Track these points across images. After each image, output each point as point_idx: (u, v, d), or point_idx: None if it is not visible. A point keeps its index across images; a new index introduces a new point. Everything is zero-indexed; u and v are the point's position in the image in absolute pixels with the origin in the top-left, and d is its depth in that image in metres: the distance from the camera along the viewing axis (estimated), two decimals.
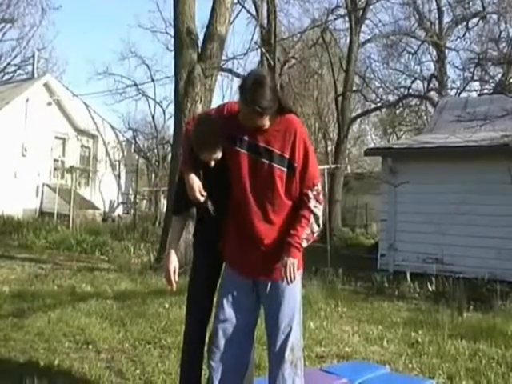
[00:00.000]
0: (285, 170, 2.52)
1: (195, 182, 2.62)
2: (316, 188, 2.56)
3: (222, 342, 2.60)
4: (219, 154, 2.60)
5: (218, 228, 2.71)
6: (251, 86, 2.42)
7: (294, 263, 2.49)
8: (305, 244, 2.54)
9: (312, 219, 2.54)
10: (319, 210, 2.55)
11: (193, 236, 2.93)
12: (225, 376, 2.60)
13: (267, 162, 2.53)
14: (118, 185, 21.66)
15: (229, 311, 2.62)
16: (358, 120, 24.77)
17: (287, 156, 2.52)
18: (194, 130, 2.64)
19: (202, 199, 2.64)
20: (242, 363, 2.66)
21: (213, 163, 2.61)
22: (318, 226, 2.57)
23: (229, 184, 2.63)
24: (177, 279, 2.74)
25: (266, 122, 2.49)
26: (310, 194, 2.54)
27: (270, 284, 2.61)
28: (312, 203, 2.54)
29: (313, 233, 2.56)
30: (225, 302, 2.64)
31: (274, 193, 2.53)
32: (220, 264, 2.79)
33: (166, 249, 2.87)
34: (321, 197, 2.57)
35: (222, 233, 2.71)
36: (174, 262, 2.73)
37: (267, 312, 2.66)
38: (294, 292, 2.63)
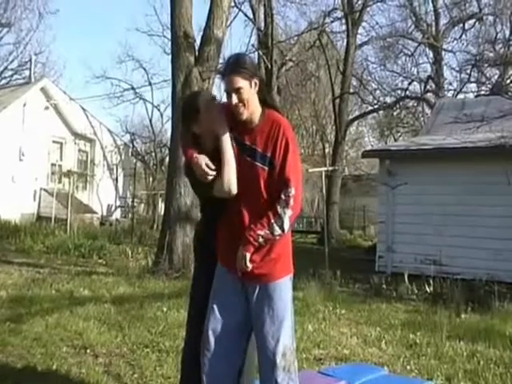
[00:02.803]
0: (266, 168, 2.54)
1: (200, 157, 2.56)
2: (289, 191, 2.50)
3: (212, 342, 2.60)
4: (211, 124, 2.59)
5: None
6: (231, 57, 2.63)
7: (245, 256, 2.51)
8: (261, 241, 2.51)
9: (273, 220, 2.50)
10: (286, 214, 2.50)
11: (194, 242, 2.92)
12: (216, 377, 2.59)
13: (250, 160, 2.56)
14: (116, 189, 21.63)
15: (218, 312, 2.62)
16: (356, 122, 24.83)
17: (269, 154, 2.54)
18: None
19: (212, 174, 2.54)
20: (234, 364, 2.64)
21: (208, 138, 2.59)
22: (282, 230, 2.51)
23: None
24: (213, 168, 2.56)
25: (245, 93, 2.51)
26: (282, 196, 2.51)
27: (258, 288, 2.60)
28: (280, 205, 2.50)
29: (273, 234, 2.51)
30: (215, 302, 2.64)
31: (257, 191, 2.54)
32: None
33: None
34: (291, 202, 2.50)
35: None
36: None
37: (255, 317, 2.62)
38: (283, 296, 2.61)
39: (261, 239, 2.51)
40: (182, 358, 2.93)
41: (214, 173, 2.54)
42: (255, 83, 2.56)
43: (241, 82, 2.51)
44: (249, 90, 2.53)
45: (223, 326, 2.61)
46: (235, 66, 2.53)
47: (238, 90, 2.51)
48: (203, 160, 2.56)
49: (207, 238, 2.77)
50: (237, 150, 2.59)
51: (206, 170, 2.54)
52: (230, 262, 2.59)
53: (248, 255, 2.51)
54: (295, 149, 2.59)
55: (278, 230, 2.51)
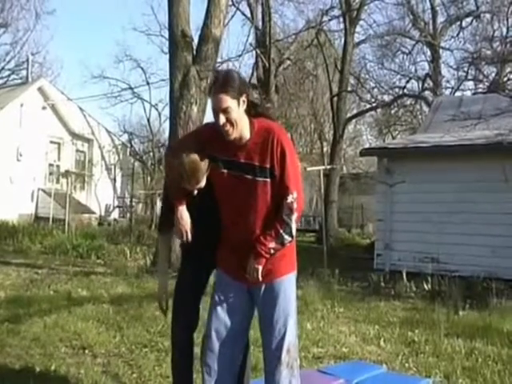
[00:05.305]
0: (268, 180, 2.51)
1: (187, 223, 2.63)
2: (291, 196, 2.50)
3: (215, 343, 2.60)
4: (202, 184, 2.59)
5: (206, 238, 2.70)
6: (220, 75, 2.54)
7: (257, 269, 2.53)
8: (273, 252, 2.54)
9: (282, 230, 2.51)
10: (292, 220, 2.51)
11: (179, 245, 2.96)
12: (219, 377, 2.60)
13: (250, 177, 2.52)
14: (114, 188, 21.62)
15: (222, 312, 2.62)
16: (354, 120, 24.81)
17: (268, 166, 2.51)
18: (174, 165, 2.59)
19: (185, 239, 2.64)
20: (236, 364, 2.67)
21: (196, 192, 2.60)
22: (291, 236, 2.54)
23: (212, 200, 2.62)
24: (168, 306, 2.88)
25: (234, 112, 2.44)
26: (285, 202, 2.51)
27: (263, 286, 2.61)
28: (284, 213, 2.51)
29: (283, 244, 2.54)
30: (218, 303, 2.64)
31: (260, 205, 2.53)
32: (206, 271, 2.83)
33: (158, 270, 2.92)
34: (295, 205, 2.50)
35: (208, 242, 2.71)
36: (164, 290, 2.93)
37: (261, 314, 2.65)
38: (288, 293, 2.63)
39: (272, 251, 2.54)
40: (171, 358, 2.94)
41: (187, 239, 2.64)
42: (243, 101, 2.49)
43: (229, 102, 2.43)
44: (237, 109, 2.46)
45: (226, 327, 2.62)
46: (223, 84, 2.45)
47: (225, 110, 2.44)
48: (188, 224, 2.62)
49: (194, 244, 2.75)
50: (230, 173, 2.55)
51: (186, 234, 2.62)
52: (236, 272, 2.62)
53: (260, 268, 2.54)
54: (292, 151, 2.57)
55: (287, 238, 2.54)
